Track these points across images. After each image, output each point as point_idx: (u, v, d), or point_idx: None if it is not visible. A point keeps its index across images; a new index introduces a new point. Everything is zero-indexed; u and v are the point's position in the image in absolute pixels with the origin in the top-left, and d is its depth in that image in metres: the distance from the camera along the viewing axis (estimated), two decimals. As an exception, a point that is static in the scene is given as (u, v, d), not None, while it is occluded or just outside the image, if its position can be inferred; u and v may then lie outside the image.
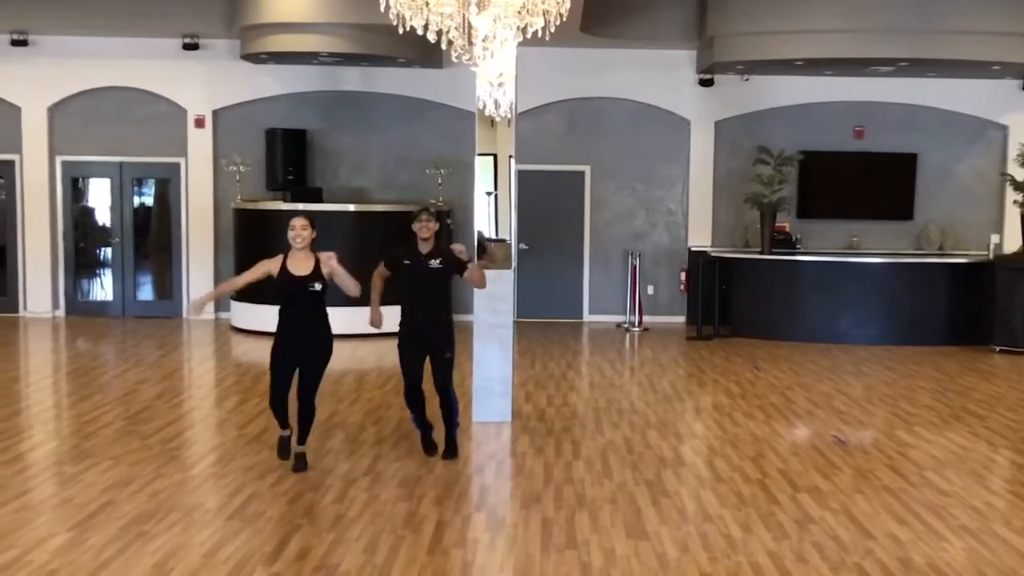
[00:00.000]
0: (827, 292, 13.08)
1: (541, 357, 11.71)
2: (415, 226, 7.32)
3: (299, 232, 6.87)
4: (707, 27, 12.94)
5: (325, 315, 7.01)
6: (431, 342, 7.37)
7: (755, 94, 14.21)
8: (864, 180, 14.30)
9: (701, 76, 14.10)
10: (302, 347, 6.94)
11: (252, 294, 13.13)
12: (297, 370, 7.00)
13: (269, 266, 6.95)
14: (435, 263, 7.32)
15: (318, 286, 6.85)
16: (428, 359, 7.41)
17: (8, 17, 13.33)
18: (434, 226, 7.32)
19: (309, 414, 7.06)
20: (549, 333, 13.44)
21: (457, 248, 7.66)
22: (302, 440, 7.09)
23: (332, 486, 6.70)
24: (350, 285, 6.84)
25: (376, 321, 7.47)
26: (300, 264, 6.89)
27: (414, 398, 7.43)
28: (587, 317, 14.61)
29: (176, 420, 8.58)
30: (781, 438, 8.21)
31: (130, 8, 13.14)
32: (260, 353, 11.96)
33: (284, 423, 7.16)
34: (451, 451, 7.44)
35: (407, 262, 7.36)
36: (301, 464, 7.03)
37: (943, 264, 13.21)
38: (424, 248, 7.33)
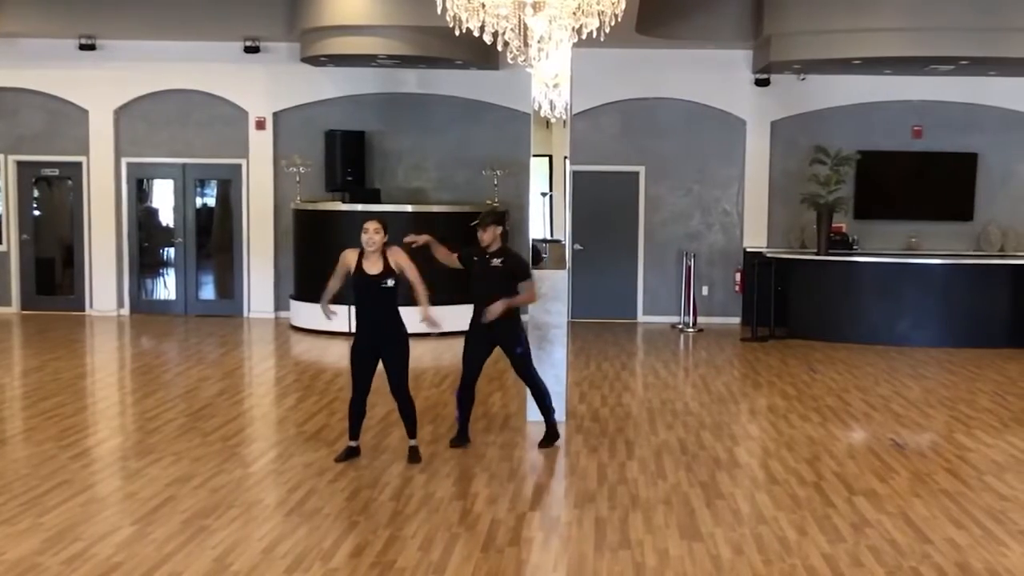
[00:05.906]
0: (885, 294, 12.93)
1: (595, 357, 11.72)
2: (478, 233, 7.70)
3: (371, 236, 7.09)
4: (764, 26, 12.87)
5: (397, 310, 7.23)
6: (495, 338, 7.68)
7: (812, 94, 14.09)
8: (923, 180, 14.11)
9: (757, 76, 14.02)
10: (380, 344, 7.18)
11: (309, 294, 13.36)
12: (383, 369, 7.25)
13: (349, 260, 7.19)
14: (497, 262, 7.65)
15: (390, 282, 7.10)
16: (495, 355, 7.82)
17: (77, 23, 13.66)
18: (489, 233, 7.64)
19: (406, 408, 7.30)
20: (603, 333, 13.45)
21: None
22: (411, 435, 7.36)
23: (388, 483, 6.79)
24: (420, 289, 7.19)
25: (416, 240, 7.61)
26: (373, 264, 7.13)
27: (462, 393, 7.78)
28: (641, 318, 14.59)
29: (236, 417, 8.74)
30: (837, 441, 8.16)
31: (193, 13, 13.41)
32: (319, 352, 12.17)
33: (353, 432, 7.35)
34: (548, 439, 7.81)
35: (475, 258, 7.74)
36: (414, 457, 7.29)
37: (1004, 265, 13.00)
38: (489, 248, 7.70)
